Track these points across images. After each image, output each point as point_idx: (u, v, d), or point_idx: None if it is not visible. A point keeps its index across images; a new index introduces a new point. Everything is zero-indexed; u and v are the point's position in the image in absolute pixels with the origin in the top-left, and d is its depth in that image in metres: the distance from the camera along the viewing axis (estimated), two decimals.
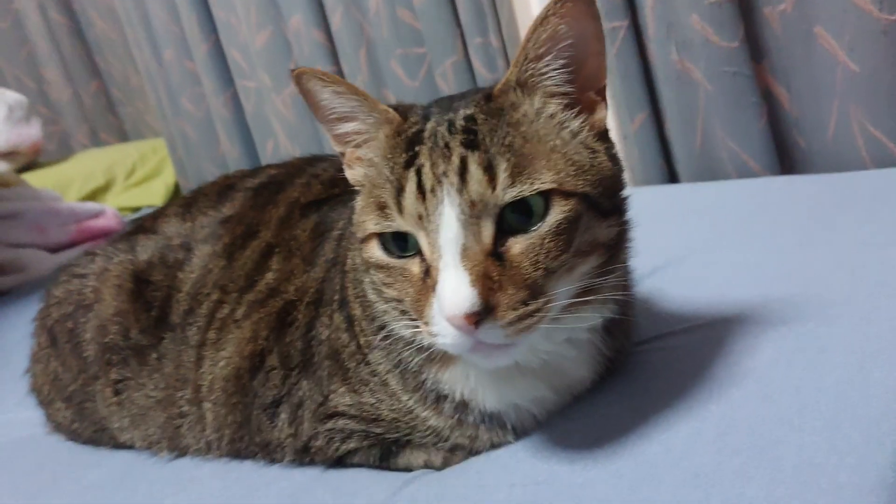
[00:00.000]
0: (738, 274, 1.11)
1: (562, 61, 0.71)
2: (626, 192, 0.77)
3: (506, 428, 0.82)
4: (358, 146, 0.78)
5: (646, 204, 1.57)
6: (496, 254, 0.66)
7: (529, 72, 0.71)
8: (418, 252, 0.70)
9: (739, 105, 1.56)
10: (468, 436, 0.82)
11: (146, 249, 1.09)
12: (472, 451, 0.83)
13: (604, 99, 0.75)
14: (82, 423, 1.08)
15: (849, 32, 1.39)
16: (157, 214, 1.18)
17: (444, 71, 2.04)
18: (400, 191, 0.68)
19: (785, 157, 1.61)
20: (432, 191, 0.66)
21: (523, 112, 0.71)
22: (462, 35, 2.00)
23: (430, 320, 0.67)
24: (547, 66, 0.71)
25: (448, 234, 0.65)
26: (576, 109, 0.72)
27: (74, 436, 1.12)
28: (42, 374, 1.11)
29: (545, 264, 0.66)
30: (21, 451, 1.14)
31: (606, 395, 0.85)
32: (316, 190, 1.05)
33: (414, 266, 0.70)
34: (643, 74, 1.72)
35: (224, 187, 1.16)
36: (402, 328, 0.77)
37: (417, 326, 0.72)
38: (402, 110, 0.76)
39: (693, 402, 0.79)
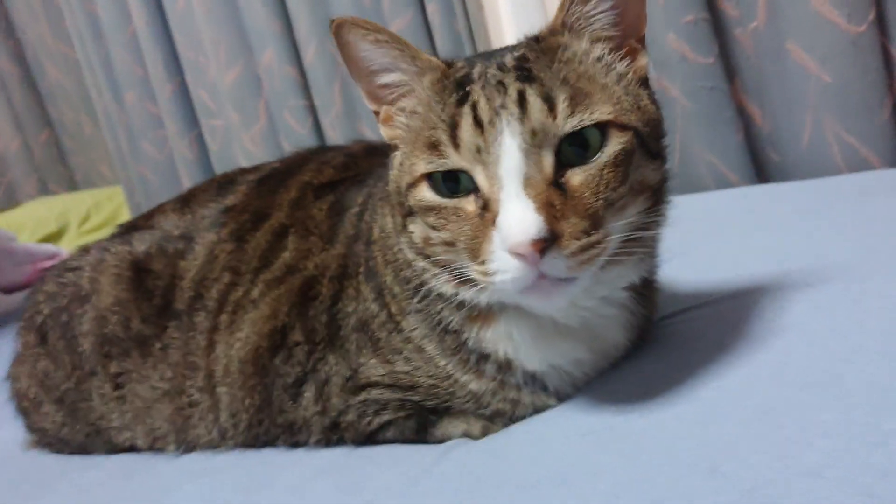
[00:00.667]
0: (745, 258, 1.12)
1: (608, 4, 0.73)
2: (666, 139, 0.78)
3: (547, 391, 0.80)
4: (397, 98, 0.77)
5: None
6: (557, 184, 0.66)
7: (576, 15, 0.72)
8: (471, 191, 0.68)
9: (717, 119, 1.62)
10: (510, 399, 0.79)
11: (143, 242, 1.04)
12: (513, 418, 0.80)
13: (644, 47, 0.76)
14: (74, 427, 1.00)
15: (820, 45, 1.46)
16: (151, 214, 1.14)
17: None
18: (454, 127, 0.68)
19: (761, 169, 1.66)
20: (490, 122, 0.66)
21: (573, 52, 0.72)
22: None
23: (489, 257, 0.66)
24: (594, 9, 0.72)
25: (509, 164, 0.65)
26: (621, 53, 0.74)
27: (62, 444, 1.03)
28: (28, 376, 1.03)
29: (605, 195, 0.66)
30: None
31: (645, 358, 0.84)
32: (328, 173, 1.02)
33: (468, 204, 0.68)
34: None
35: (223, 182, 1.12)
36: (442, 284, 0.75)
37: (461, 278, 0.71)
38: (444, 60, 0.76)
39: (737, 355, 0.78)
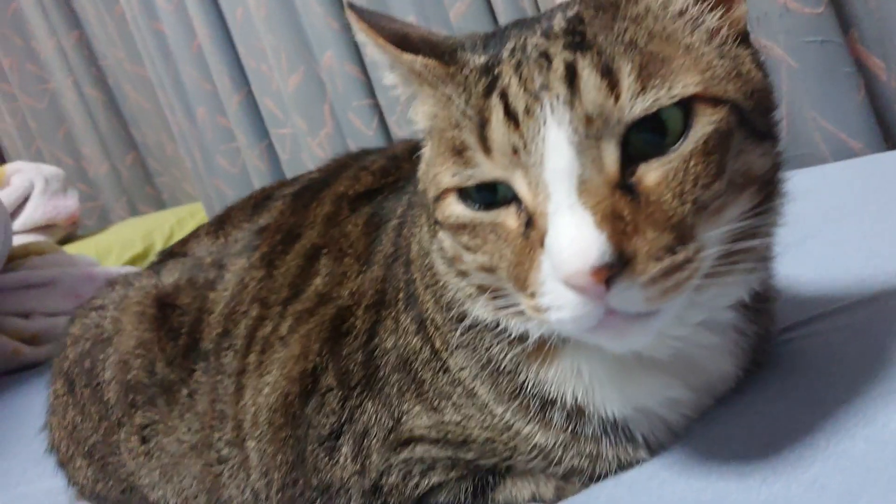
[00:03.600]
0: (881, 246, 0.90)
1: None
2: (777, 113, 0.60)
3: (635, 441, 0.62)
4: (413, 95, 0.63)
5: None
6: (625, 186, 0.49)
7: None
8: (512, 199, 0.52)
9: (831, 79, 1.38)
10: (587, 454, 0.63)
11: (172, 273, 0.94)
12: (594, 476, 0.64)
13: None
14: (107, 483, 0.91)
15: None
16: (188, 238, 1.03)
17: None
18: (483, 125, 0.52)
19: (890, 132, 1.41)
20: (527, 112, 0.50)
21: (645, 5, 0.54)
22: None
23: (538, 289, 0.50)
24: None
25: (557, 164, 0.49)
26: (709, 3, 0.55)
27: (100, 500, 0.94)
28: (59, 426, 0.95)
29: (694, 195, 0.49)
30: None
31: (760, 392, 0.66)
32: (366, 181, 0.88)
33: (509, 217, 0.52)
34: None
35: (261, 199, 1.00)
36: (480, 309, 0.59)
37: (505, 304, 0.55)
38: (450, 48, 0.60)
39: (891, 382, 0.59)
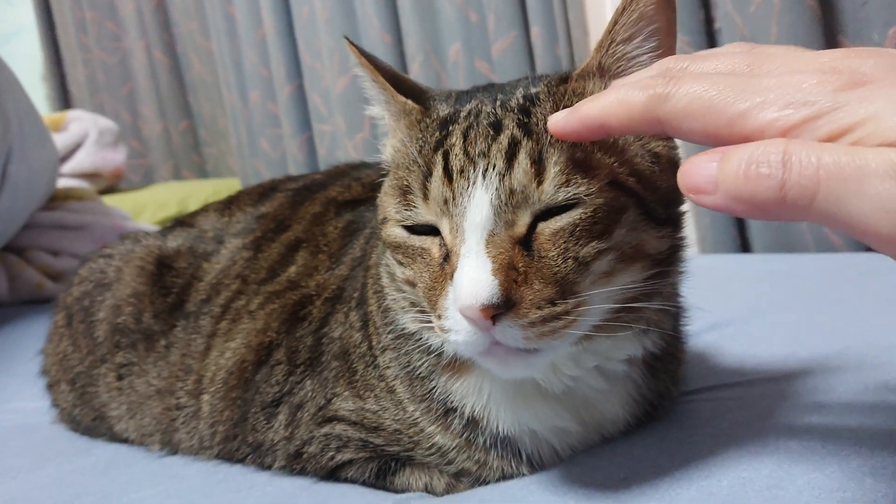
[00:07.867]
0: (810, 333, 0.98)
1: (652, 44, 0.63)
2: (684, 206, 0.69)
3: (520, 457, 0.72)
4: (388, 131, 0.73)
5: (713, 269, 1.46)
6: (526, 242, 0.59)
7: (616, 55, 0.63)
8: (440, 233, 0.63)
9: None
10: (476, 460, 0.72)
11: (177, 238, 1.06)
12: (480, 480, 0.73)
13: None
14: (83, 409, 1.03)
15: None
16: (199, 211, 1.15)
17: None
18: (427, 176, 0.62)
19: None
20: (461, 172, 0.60)
21: None
22: None
23: (444, 313, 0.60)
24: (637, 48, 0.63)
25: (475, 218, 0.58)
26: None
27: (74, 424, 1.06)
28: (53, 353, 1.07)
29: (574, 252, 0.58)
30: (19, 436, 1.08)
31: (642, 438, 0.75)
32: (355, 191, 1.00)
33: (434, 247, 0.63)
34: None
35: (268, 189, 1.12)
36: (409, 321, 0.69)
37: (427, 321, 0.65)
38: (429, 97, 0.71)
39: (743, 451, 0.67)
